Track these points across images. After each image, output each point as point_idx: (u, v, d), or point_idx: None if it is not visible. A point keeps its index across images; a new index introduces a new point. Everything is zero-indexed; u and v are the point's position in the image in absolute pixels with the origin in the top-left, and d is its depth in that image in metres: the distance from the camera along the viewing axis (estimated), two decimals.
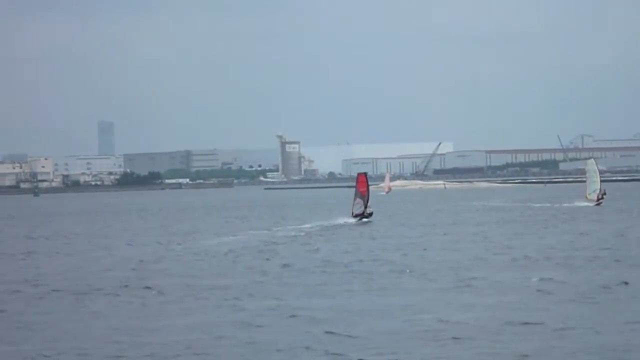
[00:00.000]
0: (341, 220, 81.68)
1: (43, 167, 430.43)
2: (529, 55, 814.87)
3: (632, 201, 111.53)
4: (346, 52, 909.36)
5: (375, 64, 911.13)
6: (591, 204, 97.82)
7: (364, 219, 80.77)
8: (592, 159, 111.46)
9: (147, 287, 36.21)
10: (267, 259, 47.06)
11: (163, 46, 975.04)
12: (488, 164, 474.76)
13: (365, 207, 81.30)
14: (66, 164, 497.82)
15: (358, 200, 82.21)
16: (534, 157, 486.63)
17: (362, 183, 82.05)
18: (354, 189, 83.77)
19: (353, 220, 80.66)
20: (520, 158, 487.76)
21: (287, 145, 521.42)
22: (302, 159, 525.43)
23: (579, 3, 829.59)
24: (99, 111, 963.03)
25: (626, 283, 33.65)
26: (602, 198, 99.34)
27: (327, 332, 25.23)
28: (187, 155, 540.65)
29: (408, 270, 39.79)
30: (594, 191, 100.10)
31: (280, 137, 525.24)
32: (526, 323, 25.75)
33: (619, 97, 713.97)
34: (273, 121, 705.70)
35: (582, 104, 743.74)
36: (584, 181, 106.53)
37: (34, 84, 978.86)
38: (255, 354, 22.88)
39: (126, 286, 36.93)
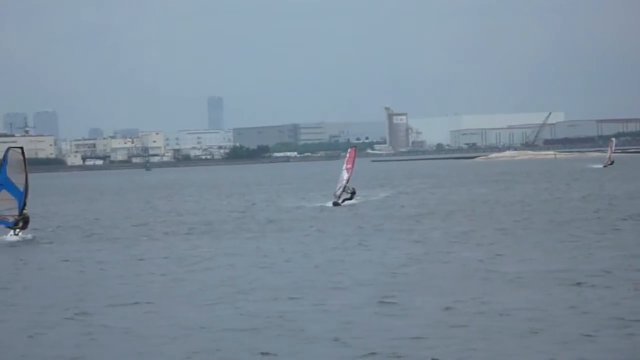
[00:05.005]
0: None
1: (154, 141, 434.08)
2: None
3: None
4: (451, 22, 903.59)
5: (482, 33, 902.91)
6: None
7: (347, 201, 67.02)
8: None
9: None
10: None
11: (265, 22, 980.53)
12: (599, 133, 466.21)
13: (344, 188, 67.41)
14: (177, 139, 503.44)
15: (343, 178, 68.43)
16: None
17: (350, 159, 69.28)
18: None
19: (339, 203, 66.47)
20: (632, 127, 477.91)
21: (394, 117, 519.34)
22: (410, 131, 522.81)
23: None
24: (208, 86, 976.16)
25: None
26: None
27: None
28: (295, 128, 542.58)
29: None
30: None
31: (387, 109, 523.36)
32: None
33: None
34: (380, 93, 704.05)
35: None
36: None
37: (145, 61, 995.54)
38: None
39: None
